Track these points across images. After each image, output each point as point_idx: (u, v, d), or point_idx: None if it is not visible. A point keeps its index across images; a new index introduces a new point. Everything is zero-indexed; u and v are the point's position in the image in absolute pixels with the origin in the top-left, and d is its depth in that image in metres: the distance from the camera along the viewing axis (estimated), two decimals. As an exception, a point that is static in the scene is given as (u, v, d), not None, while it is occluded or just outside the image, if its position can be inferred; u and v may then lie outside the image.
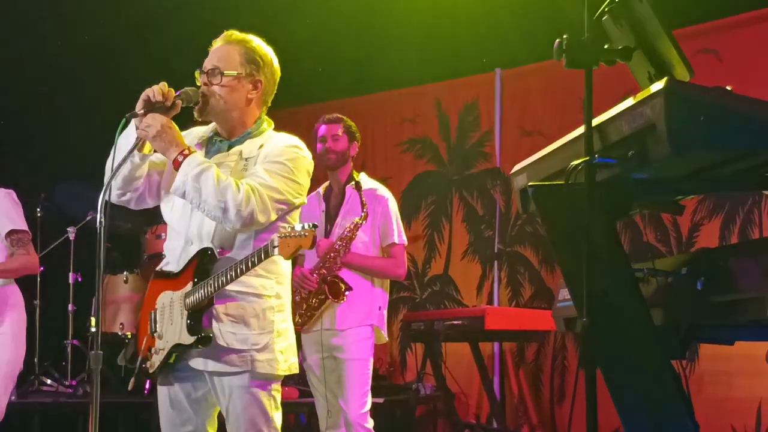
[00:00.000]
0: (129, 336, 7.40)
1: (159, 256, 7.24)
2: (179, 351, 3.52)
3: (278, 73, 3.69)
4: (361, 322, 5.25)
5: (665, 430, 2.44)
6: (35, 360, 7.41)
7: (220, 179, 3.36)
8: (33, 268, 5.24)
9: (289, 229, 3.22)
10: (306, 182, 3.59)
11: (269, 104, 3.72)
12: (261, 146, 3.57)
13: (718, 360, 6.40)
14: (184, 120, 3.61)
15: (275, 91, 3.72)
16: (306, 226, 3.20)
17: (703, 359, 6.45)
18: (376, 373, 7.23)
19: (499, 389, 7.65)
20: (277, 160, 3.49)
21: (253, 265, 3.34)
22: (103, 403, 3.56)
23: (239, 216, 3.35)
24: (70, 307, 7.53)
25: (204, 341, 3.46)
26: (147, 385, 7.19)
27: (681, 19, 6.11)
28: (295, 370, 3.65)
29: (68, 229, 7.57)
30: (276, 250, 3.23)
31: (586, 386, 2.35)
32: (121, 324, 7.43)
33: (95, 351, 3.47)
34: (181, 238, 3.60)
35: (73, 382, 7.36)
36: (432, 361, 7.17)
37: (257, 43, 3.65)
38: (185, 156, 3.40)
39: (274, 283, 3.56)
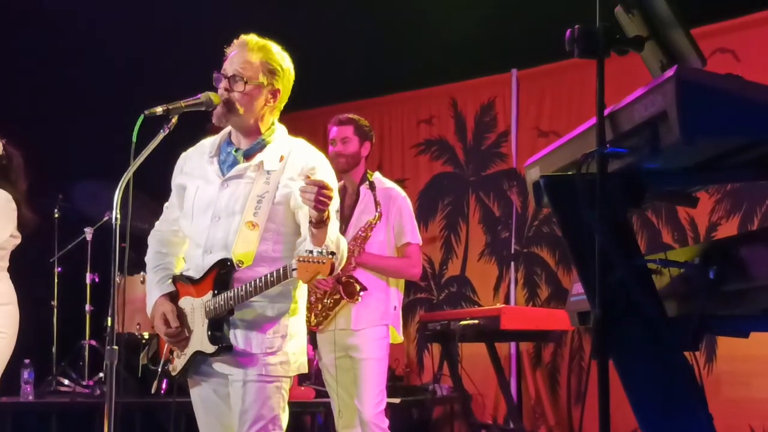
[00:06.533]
0: (146, 336, 7.42)
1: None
2: (200, 356, 3.61)
3: (293, 80, 3.72)
4: (377, 321, 5.24)
5: (677, 419, 2.43)
6: (53, 360, 7.46)
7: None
8: None
9: (307, 253, 3.23)
10: None
11: (281, 109, 3.75)
12: (282, 158, 3.61)
13: (735, 361, 6.38)
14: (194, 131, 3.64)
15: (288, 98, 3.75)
16: (323, 252, 3.21)
17: (721, 360, 6.43)
18: (393, 373, 7.23)
19: (516, 390, 7.64)
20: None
21: (272, 284, 3.42)
22: (120, 403, 3.59)
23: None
24: (87, 307, 7.57)
25: (224, 351, 3.54)
26: (164, 386, 7.24)
27: (698, 18, 6.07)
28: (304, 369, 3.71)
29: (85, 229, 7.61)
30: (294, 273, 3.29)
31: (599, 377, 2.34)
32: (138, 324, 7.45)
33: (110, 347, 3.48)
34: (200, 247, 3.65)
35: (90, 382, 7.40)
36: (449, 362, 7.16)
37: (276, 50, 3.67)
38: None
39: (290, 289, 3.61)
